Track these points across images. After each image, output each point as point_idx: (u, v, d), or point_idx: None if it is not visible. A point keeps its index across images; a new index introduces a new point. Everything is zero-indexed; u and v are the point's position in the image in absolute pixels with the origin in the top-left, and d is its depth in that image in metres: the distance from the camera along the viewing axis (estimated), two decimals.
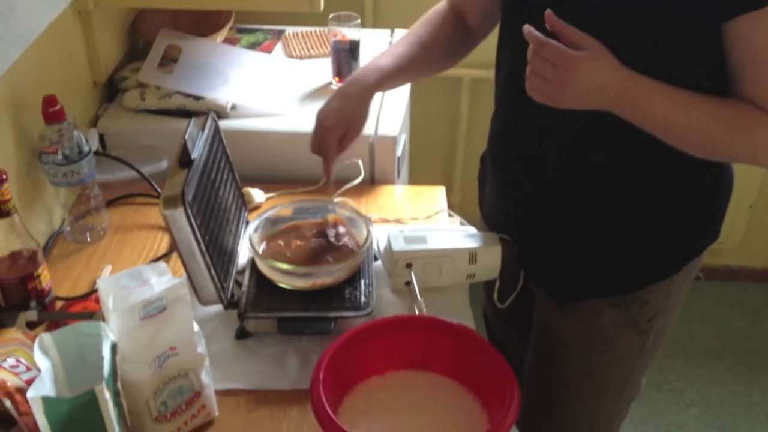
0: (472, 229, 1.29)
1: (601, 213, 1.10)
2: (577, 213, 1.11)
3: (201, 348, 0.97)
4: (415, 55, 1.21)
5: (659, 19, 0.92)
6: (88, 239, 1.35)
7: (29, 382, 0.87)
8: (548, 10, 0.91)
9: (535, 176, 1.13)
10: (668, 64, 0.94)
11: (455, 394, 1.04)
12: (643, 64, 0.92)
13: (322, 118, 1.18)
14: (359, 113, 1.19)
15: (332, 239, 1.22)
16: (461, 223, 1.38)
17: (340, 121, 1.17)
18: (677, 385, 2.21)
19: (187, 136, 1.12)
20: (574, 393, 1.23)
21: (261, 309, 1.13)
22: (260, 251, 1.21)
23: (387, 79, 1.19)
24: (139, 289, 0.91)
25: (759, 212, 2.41)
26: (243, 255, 1.25)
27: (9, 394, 0.85)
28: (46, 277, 1.16)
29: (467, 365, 1.04)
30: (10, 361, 0.90)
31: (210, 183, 1.16)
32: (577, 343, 1.18)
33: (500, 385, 0.97)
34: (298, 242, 1.24)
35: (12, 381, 0.86)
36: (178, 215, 1.01)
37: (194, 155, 1.10)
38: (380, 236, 1.28)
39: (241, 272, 1.22)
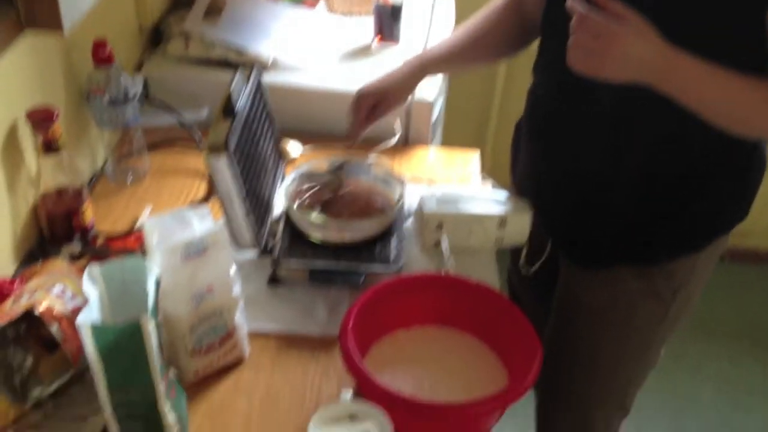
0: (504, 194, 1.31)
1: (634, 186, 1.11)
2: (610, 185, 1.13)
3: (236, 290, 1.01)
4: (470, 44, 1.27)
5: (703, 4, 0.94)
6: (129, 181, 1.40)
7: (74, 310, 0.92)
8: None
9: (570, 149, 1.15)
10: (710, 44, 0.95)
11: (478, 352, 1.08)
12: (684, 43, 0.93)
13: (362, 86, 1.25)
14: (399, 87, 1.25)
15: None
16: (493, 187, 1.40)
17: (377, 89, 1.25)
18: (695, 361, 2.23)
19: (232, 88, 1.15)
20: (592, 357, 1.25)
21: (294, 258, 1.17)
22: (294, 204, 1.24)
23: (436, 64, 1.27)
24: (182, 231, 0.95)
25: None
26: (279, 206, 1.29)
27: (57, 319, 0.90)
28: (89, 213, 1.21)
29: (491, 325, 1.07)
30: (57, 288, 0.94)
31: (251, 134, 1.19)
32: (599, 309, 1.20)
33: (523, 347, 1.00)
34: (333, 197, 1.27)
35: (58, 307, 0.91)
36: (221, 163, 1.05)
37: (238, 106, 1.13)
38: (413, 197, 1.30)
39: (277, 222, 1.25)
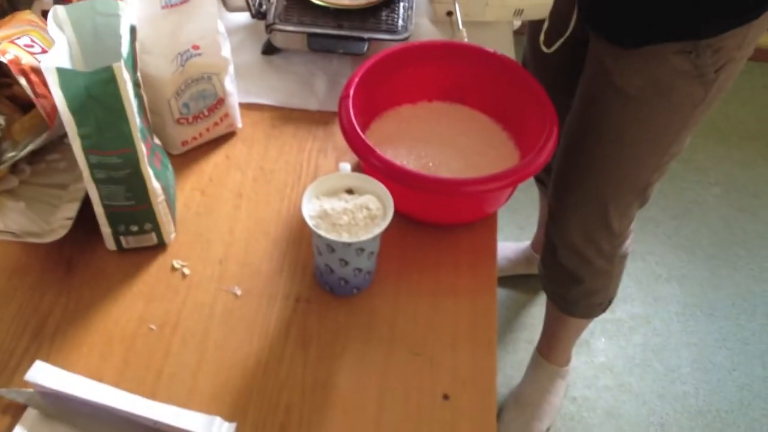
0: None
1: None
2: None
3: (225, 52, 0.91)
4: None
5: None
6: None
7: None
8: None
9: None
10: None
11: (489, 130, 1.00)
12: None
13: None
14: None
15: None
16: None
17: None
18: (704, 164, 2.17)
19: None
20: (621, 144, 1.15)
21: (291, 22, 1.06)
22: None
23: None
24: None
25: None
26: None
27: (24, 72, 0.80)
28: None
29: (505, 100, 0.98)
30: (24, 39, 0.84)
31: None
32: (634, 90, 1.09)
33: (538, 123, 0.91)
34: None
35: (27, 59, 0.82)
36: None
37: None
38: None
39: None
